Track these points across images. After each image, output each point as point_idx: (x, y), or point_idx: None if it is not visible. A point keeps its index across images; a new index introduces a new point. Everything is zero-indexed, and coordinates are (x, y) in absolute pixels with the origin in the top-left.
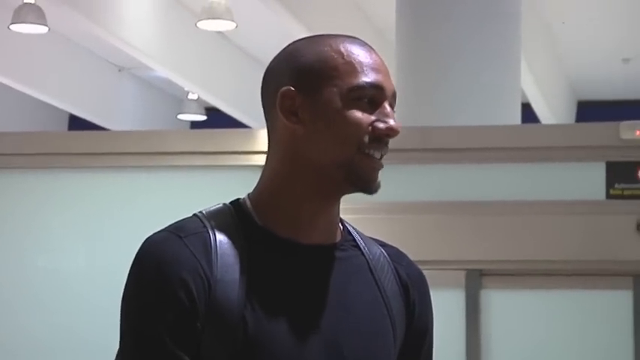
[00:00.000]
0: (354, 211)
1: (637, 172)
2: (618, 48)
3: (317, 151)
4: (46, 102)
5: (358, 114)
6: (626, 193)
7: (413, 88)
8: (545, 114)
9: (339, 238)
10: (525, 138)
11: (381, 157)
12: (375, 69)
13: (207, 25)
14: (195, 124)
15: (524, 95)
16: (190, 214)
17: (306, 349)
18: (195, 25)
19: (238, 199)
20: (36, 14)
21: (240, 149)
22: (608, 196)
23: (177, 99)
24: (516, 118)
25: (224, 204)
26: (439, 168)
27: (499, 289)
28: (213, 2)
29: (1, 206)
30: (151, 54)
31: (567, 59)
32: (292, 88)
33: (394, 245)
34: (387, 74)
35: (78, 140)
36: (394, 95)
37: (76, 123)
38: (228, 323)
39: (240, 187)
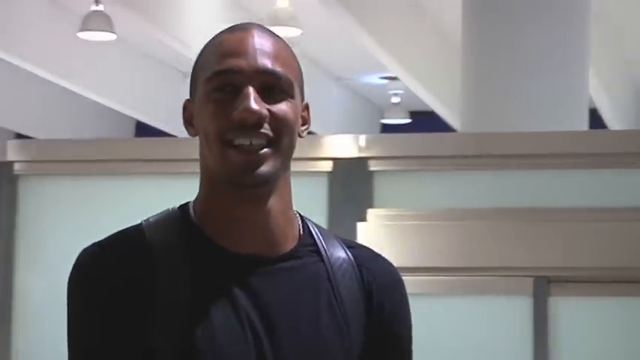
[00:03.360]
0: (415, 218)
1: None
2: None
3: (205, 157)
4: (113, 109)
5: (212, 107)
6: None
7: (478, 94)
8: (612, 120)
9: (293, 245)
10: (593, 144)
11: (253, 145)
12: (233, 52)
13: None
14: None
15: (591, 101)
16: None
17: None
18: None
19: (188, 203)
20: (104, 22)
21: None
22: None
23: None
24: (584, 123)
25: (173, 208)
26: (504, 174)
27: (567, 296)
28: (279, 9)
29: (66, 212)
30: None
31: (634, 65)
32: (188, 98)
33: (367, 247)
34: (252, 54)
35: (143, 147)
36: (266, 72)
37: (143, 130)
38: (160, 324)
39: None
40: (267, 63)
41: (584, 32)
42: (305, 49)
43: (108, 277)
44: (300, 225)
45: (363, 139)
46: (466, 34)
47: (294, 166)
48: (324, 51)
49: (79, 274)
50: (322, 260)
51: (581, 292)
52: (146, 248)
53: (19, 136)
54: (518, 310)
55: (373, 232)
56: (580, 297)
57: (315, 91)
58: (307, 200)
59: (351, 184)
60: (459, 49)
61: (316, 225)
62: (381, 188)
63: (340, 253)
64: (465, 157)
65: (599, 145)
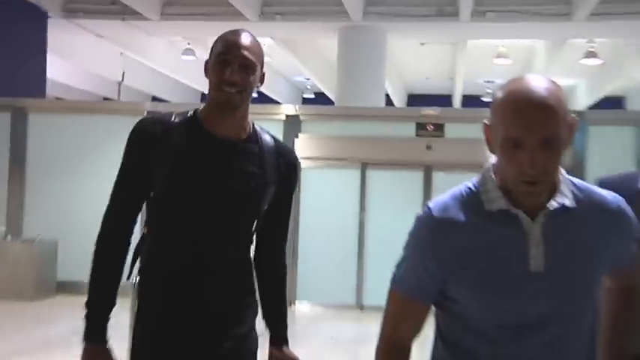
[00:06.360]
0: None
1: None
2: None
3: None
4: None
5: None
6: None
7: None
8: None
9: (246, 135)
10: None
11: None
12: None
13: None
14: None
15: None
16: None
17: (203, 193)
18: None
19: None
20: None
21: None
22: None
23: None
24: None
25: (197, 109)
26: None
27: None
28: None
29: None
30: None
31: None
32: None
33: (288, 146)
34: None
35: None
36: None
37: None
38: (164, 170)
39: None
40: None
41: None
42: None
43: (142, 136)
44: (251, 127)
45: None
46: None
47: None
48: None
49: (132, 132)
50: (259, 146)
51: None
52: (169, 124)
53: None
54: None
55: None
56: None
57: None
58: None
59: None
60: None
61: (262, 129)
62: None
63: (271, 145)
64: None
65: None
